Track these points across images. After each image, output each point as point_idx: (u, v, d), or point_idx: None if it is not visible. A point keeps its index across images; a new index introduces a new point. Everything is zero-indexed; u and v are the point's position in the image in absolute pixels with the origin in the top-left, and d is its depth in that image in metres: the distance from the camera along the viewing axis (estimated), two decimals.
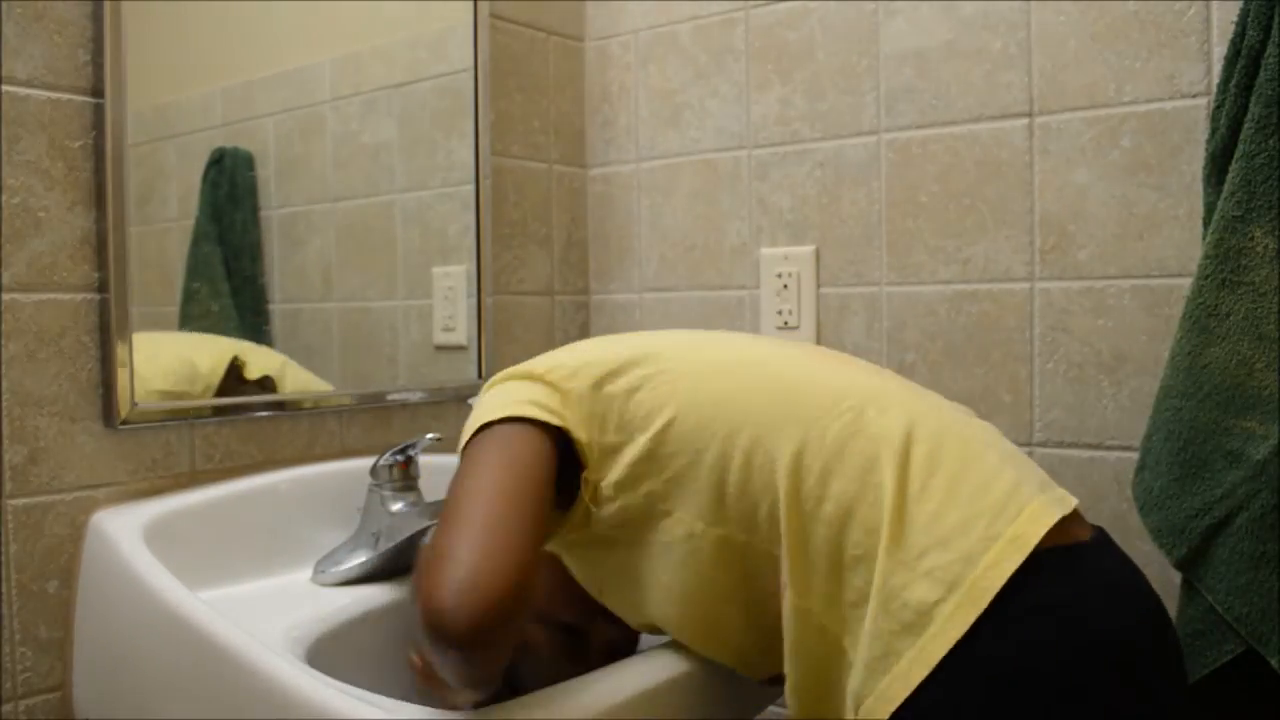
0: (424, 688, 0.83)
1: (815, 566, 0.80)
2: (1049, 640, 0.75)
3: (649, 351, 0.91)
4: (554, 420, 0.85)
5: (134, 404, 1.06)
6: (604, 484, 0.87)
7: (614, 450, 0.87)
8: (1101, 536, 0.84)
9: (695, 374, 0.89)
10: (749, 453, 0.83)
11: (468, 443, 0.85)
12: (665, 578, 0.88)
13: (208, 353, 1.18)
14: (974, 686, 0.74)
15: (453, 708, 0.80)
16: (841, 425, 0.83)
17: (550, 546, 0.94)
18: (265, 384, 1.22)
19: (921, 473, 0.80)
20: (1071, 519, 0.81)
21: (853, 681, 0.78)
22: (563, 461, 0.85)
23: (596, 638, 1.02)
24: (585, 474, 0.87)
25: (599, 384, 0.88)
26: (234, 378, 1.18)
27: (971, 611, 0.73)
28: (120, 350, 1.05)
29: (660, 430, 0.86)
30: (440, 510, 1.07)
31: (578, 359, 0.91)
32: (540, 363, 0.92)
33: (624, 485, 0.87)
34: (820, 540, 0.80)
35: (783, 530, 0.81)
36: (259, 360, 1.22)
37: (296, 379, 1.25)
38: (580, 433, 0.86)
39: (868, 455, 0.81)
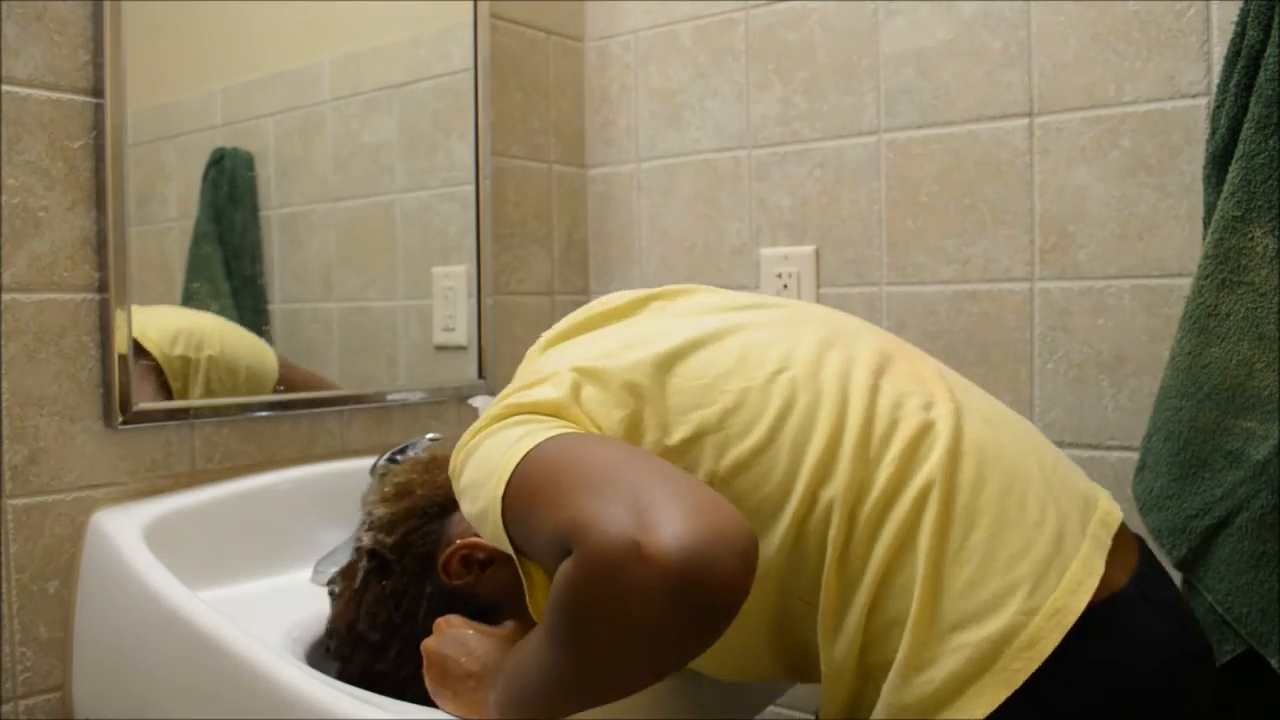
0: (441, 688, 0.80)
1: (847, 629, 0.75)
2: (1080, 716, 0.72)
3: (660, 385, 0.79)
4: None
5: (134, 404, 1.06)
6: None
7: None
8: (1142, 569, 0.80)
9: (728, 430, 0.77)
10: (799, 521, 0.75)
11: (509, 482, 0.70)
12: None
13: None
14: None
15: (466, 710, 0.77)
16: (888, 477, 0.75)
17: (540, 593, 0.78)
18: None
19: (961, 528, 0.74)
20: (1115, 548, 0.77)
21: None
22: None
23: None
24: None
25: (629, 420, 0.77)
26: None
27: (1003, 691, 0.70)
28: (120, 350, 1.05)
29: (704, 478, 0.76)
30: None
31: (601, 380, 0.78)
32: (537, 395, 0.78)
33: None
34: (858, 606, 0.74)
35: (823, 593, 0.75)
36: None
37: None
38: None
39: (910, 514, 0.74)
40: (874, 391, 0.80)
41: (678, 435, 0.77)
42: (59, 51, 1.02)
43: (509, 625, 0.83)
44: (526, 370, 0.87)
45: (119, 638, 0.98)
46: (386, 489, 0.94)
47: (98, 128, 1.05)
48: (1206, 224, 1.01)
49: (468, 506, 0.77)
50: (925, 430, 0.78)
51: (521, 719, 0.72)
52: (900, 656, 0.71)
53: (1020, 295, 1.25)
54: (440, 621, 0.84)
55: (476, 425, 0.79)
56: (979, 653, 0.70)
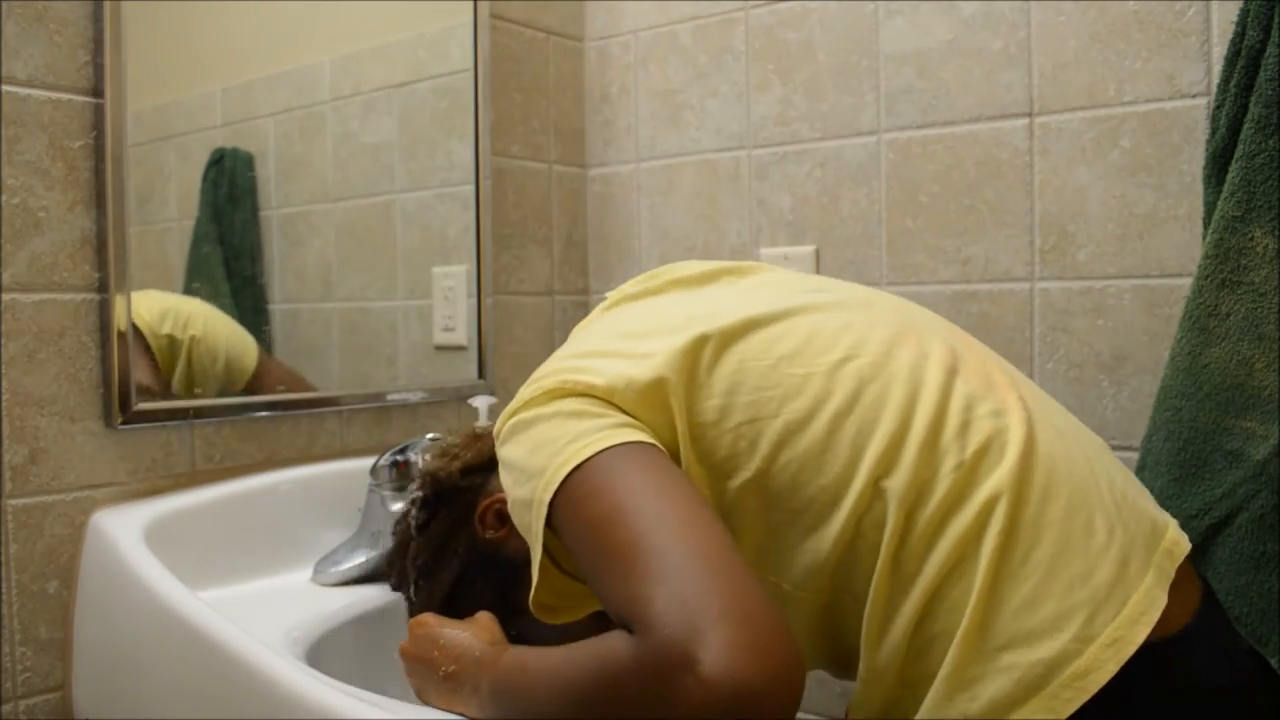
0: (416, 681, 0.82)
1: (893, 637, 0.72)
2: None
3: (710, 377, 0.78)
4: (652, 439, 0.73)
5: (134, 404, 1.06)
6: None
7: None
8: (1203, 610, 0.76)
9: (788, 416, 0.75)
10: (858, 515, 0.73)
11: (561, 489, 0.70)
12: None
13: None
14: None
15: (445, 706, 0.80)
16: (952, 482, 0.72)
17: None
18: None
19: (1025, 543, 0.70)
20: (1177, 582, 0.72)
21: None
22: None
23: None
24: None
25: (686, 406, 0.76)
26: None
27: None
28: (120, 350, 1.05)
29: (752, 478, 0.74)
30: None
31: (636, 369, 0.76)
32: (591, 376, 0.76)
33: None
34: (907, 613, 0.71)
35: (871, 595, 0.72)
36: None
37: None
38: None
39: (974, 524, 0.71)
40: (946, 391, 0.76)
41: (734, 419, 0.75)
42: (59, 51, 1.02)
43: (482, 617, 0.85)
44: (583, 333, 0.88)
45: (119, 638, 0.98)
46: (435, 450, 0.98)
47: (98, 128, 1.05)
48: (1206, 224, 1.01)
49: (509, 484, 0.77)
50: (996, 437, 0.74)
51: None
52: (945, 670, 0.68)
53: (1020, 295, 1.25)
54: (413, 623, 0.87)
55: (527, 394, 0.78)
56: (1029, 676, 0.67)
